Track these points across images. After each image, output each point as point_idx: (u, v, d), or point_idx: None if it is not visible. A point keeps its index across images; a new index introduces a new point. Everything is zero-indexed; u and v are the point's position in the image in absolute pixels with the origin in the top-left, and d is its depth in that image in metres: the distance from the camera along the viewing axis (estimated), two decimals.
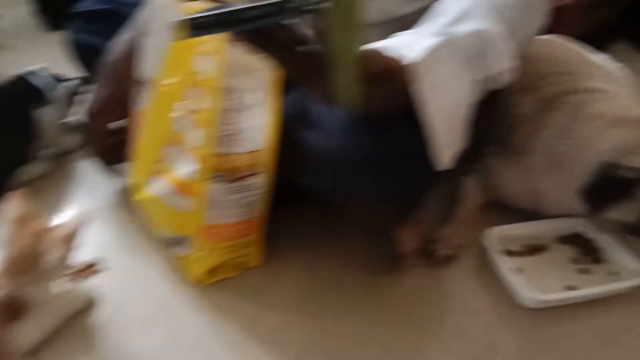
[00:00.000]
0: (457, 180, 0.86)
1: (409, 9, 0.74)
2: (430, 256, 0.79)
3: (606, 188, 0.72)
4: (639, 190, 0.70)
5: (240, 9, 0.35)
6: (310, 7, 0.35)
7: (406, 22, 0.69)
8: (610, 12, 1.38)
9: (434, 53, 0.57)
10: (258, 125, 0.68)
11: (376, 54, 0.52)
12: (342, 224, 0.76)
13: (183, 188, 0.67)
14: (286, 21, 0.38)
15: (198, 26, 0.34)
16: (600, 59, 0.95)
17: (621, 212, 0.73)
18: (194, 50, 0.66)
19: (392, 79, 0.54)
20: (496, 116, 0.85)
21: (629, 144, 0.72)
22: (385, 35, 0.64)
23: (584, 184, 0.73)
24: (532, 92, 0.85)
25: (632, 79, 0.98)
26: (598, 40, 1.33)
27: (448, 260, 0.79)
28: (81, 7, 0.87)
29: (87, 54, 0.83)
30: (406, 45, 0.58)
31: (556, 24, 1.18)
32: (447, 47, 0.59)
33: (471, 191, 0.86)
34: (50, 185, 0.91)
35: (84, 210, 0.66)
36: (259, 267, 0.76)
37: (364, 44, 0.44)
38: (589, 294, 0.73)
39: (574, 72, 0.86)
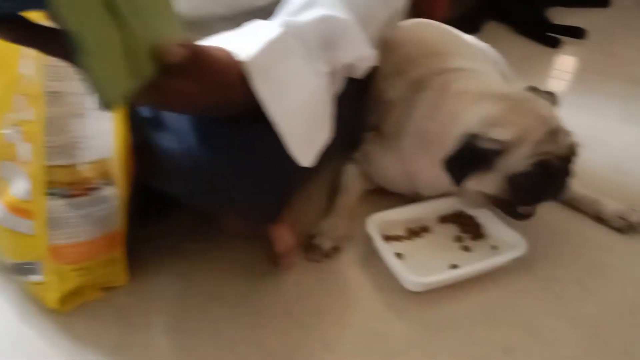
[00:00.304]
0: (335, 170, 0.84)
1: (264, 1, 0.70)
2: (313, 250, 0.76)
3: (466, 157, 0.72)
4: (498, 162, 0.71)
5: None
6: None
7: (264, 14, 0.65)
8: None
9: (272, 46, 0.53)
10: (103, 132, 0.61)
11: (196, 48, 0.46)
12: (215, 229, 0.72)
13: (17, 209, 0.60)
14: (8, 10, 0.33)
15: None
16: (469, 39, 0.97)
17: (481, 184, 0.74)
18: (18, 51, 0.59)
19: (219, 74, 0.49)
20: (366, 103, 0.84)
21: (493, 117, 0.73)
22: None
23: (447, 154, 0.73)
24: (402, 75, 0.85)
25: (500, 57, 1.01)
26: (469, 21, 1.38)
27: (332, 252, 0.77)
28: None
29: None
30: (243, 40, 0.54)
31: (427, 8, 1.21)
32: (288, 38, 0.55)
33: (351, 180, 0.85)
34: None
35: None
36: (125, 286, 0.70)
37: (157, 31, 0.39)
38: (469, 272, 0.73)
39: (442, 53, 0.86)
